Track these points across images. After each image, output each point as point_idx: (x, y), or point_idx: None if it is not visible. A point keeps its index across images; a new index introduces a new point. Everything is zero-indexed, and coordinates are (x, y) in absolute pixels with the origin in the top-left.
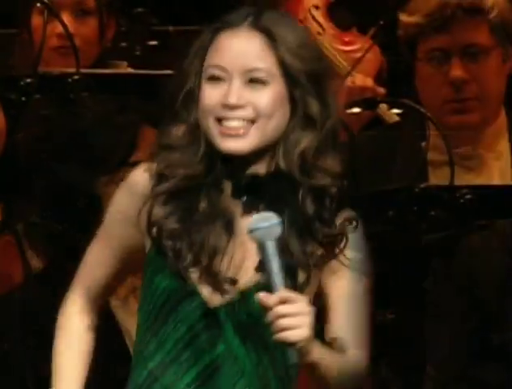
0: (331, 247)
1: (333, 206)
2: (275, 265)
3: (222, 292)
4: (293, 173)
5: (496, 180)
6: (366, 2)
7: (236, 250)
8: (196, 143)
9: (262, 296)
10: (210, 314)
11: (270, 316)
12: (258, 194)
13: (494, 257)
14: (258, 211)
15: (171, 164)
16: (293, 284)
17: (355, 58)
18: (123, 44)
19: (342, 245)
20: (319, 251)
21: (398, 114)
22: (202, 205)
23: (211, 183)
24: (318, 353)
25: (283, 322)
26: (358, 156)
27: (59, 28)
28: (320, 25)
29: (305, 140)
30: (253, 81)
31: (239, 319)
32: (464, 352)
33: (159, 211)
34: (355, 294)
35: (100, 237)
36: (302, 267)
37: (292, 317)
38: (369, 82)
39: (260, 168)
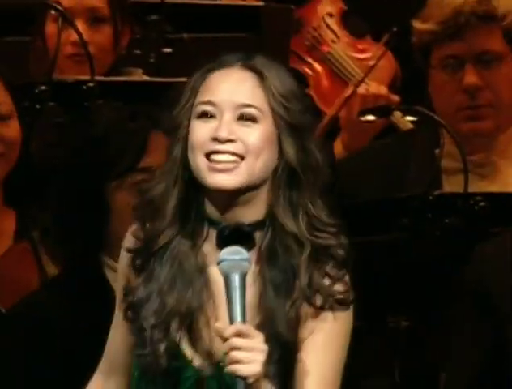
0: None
1: (334, 266)
2: (237, 298)
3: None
4: (299, 234)
5: (510, 187)
6: (380, 10)
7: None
8: (175, 185)
9: (217, 325)
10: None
11: (224, 347)
12: (243, 244)
13: (507, 264)
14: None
15: (147, 220)
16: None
17: (369, 66)
18: (137, 51)
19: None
20: (307, 312)
21: (412, 122)
22: (176, 265)
23: (186, 236)
24: None
25: (237, 354)
26: (372, 163)
27: (74, 36)
28: (334, 33)
29: (295, 191)
30: (244, 118)
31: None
32: (478, 361)
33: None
34: (327, 351)
35: (114, 318)
36: (285, 329)
37: (246, 351)
38: (383, 89)
39: (246, 216)
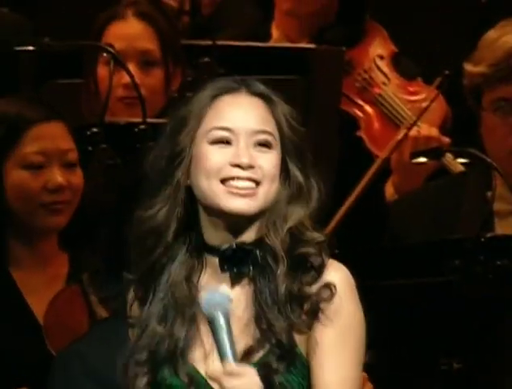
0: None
1: (315, 273)
2: (223, 337)
3: None
4: (277, 246)
5: None
6: (431, 52)
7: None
8: (177, 211)
9: (210, 372)
10: None
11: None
12: (244, 264)
13: None
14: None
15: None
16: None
17: (420, 108)
18: (189, 94)
19: (320, 311)
20: (302, 320)
21: (463, 164)
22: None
23: (182, 265)
24: None
25: None
26: (424, 205)
27: (125, 78)
28: (385, 75)
29: (294, 213)
30: (260, 144)
31: None
32: None
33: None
34: (344, 349)
35: None
36: (286, 339)
37: None
38: (434, 131)
39: (247, 236)
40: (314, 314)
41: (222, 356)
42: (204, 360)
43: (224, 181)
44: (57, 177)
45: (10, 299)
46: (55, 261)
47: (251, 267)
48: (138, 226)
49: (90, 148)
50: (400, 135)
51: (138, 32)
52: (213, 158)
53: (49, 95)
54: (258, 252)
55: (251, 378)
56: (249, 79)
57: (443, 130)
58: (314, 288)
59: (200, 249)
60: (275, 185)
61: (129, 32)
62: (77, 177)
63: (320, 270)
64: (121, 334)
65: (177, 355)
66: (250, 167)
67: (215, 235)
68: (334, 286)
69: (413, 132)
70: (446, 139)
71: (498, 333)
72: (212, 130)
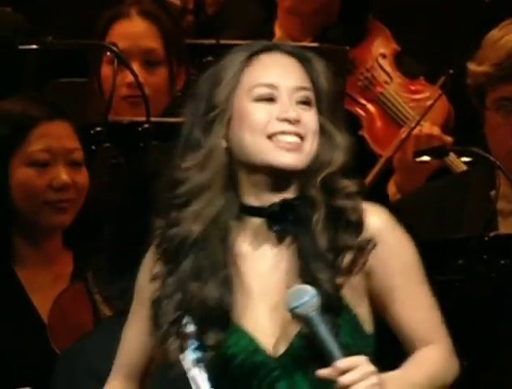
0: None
1: (354, 228)
2: (325, 335)
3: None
4: (315, 196)
5: None
6: (433, 51)
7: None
8: (219, 171)
9: (321, 373)
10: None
11: (337, 388)
12: (288, 221)
13: None
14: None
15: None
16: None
17: (422, 107)
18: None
19: (363, 257)
20: (346, 270)
21: (466, 163)
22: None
23: (217, 227)
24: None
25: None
26: (427, 204)
27: (129, 78)
28: (387, 74)
29: (329, 164)
30: (301, 102)
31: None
32: None
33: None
34: (411, 284)
35: (130, 318)
36: (331, 291)
37: (359, 382)
38: (436, 130)
39: (288, 193)
40: (358, 264)
41: (328, 354)
42: (243, 319)
43: (271, 136)
44: (63, 175)
45: (14, 298)
46: (60, 260)
47: (292, 222)
48: (178, 185)
49: (93, 147)
50: (404, 134)
51: (142, 30)
52: (259, 114)
53: (53, 94)
54: (300, 207)
55: (366, 366)
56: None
57: (446, 129)
58: (356, 239)
59: (237, 210)
60: (316, 140)
61: (133, 30)
62: (82, 177)
63: (359, 225)
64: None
65: (217, 316)
66: (297, 121)
67: (255, 195)
68: (377, 235)
69: (415, 131)
70: (449, 138)
71: (501, 332)
72: (256, 86)
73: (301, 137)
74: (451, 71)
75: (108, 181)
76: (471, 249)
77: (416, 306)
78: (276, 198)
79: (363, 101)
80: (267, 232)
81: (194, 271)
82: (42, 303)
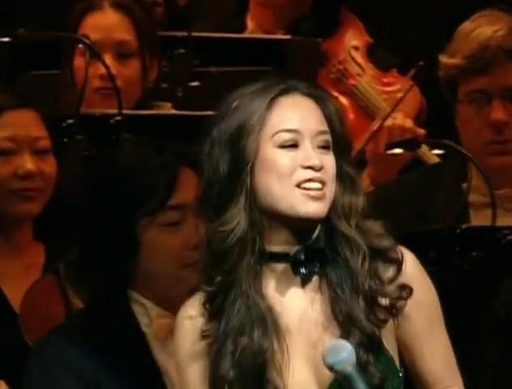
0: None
1: (395, 269)
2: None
3: None
4: (355, 238)
5: None
6: (406, 43)
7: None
8: (246, 219)
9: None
10: None
11: None
12: (312, 264)
13: None
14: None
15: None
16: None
17: (395, 99)
18: (165, 85)
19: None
20: (381, 312)
21: (438, 155)
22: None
23: (249, 275)
24: None
25: None
26: (399, 197)
27: (101, 69)
28: (360, 66)
29: (355, 206)
30: (321, 145)
31: None
32: None
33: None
34: (435, 331)
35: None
36: (370, 331)
37: None
38: (409, 122)
39: (310, 237)
40: (393, 310)
41: None
42: (281, 371)
43: (298, 185)
44: (28, 163)
45: None
46: (30, 250)
47: (318, 265)
48: (217, 241)
49: (66, 140)
50: (375, 126)
51: (114, 22)
52: (284, 162)
53: (24, 86)
54: (327, 249)
55: None
56: (292, 80)
57: (418, 121)
58: (393, 284)
59: (260, 257)
60: (334, 184)
61: (105, 22)
62: (49, 165)
63: (399, 265)
64: (99, 327)
65: (264, 369)
66: (321, 168)
67: (277, 240)
68: (410, 279)
69: (388, 123)
70: (421, 131)
71: (474, 324)
72: (279, 133)
73: (323, 183)
74: (421, 63)
75: (80, 173)
76: (443, 241)
77: (439, 354)
78: (298, 242)
79: (335, 94)
80: (291, 276)
81: (241, 326)
82: (13, 292)
